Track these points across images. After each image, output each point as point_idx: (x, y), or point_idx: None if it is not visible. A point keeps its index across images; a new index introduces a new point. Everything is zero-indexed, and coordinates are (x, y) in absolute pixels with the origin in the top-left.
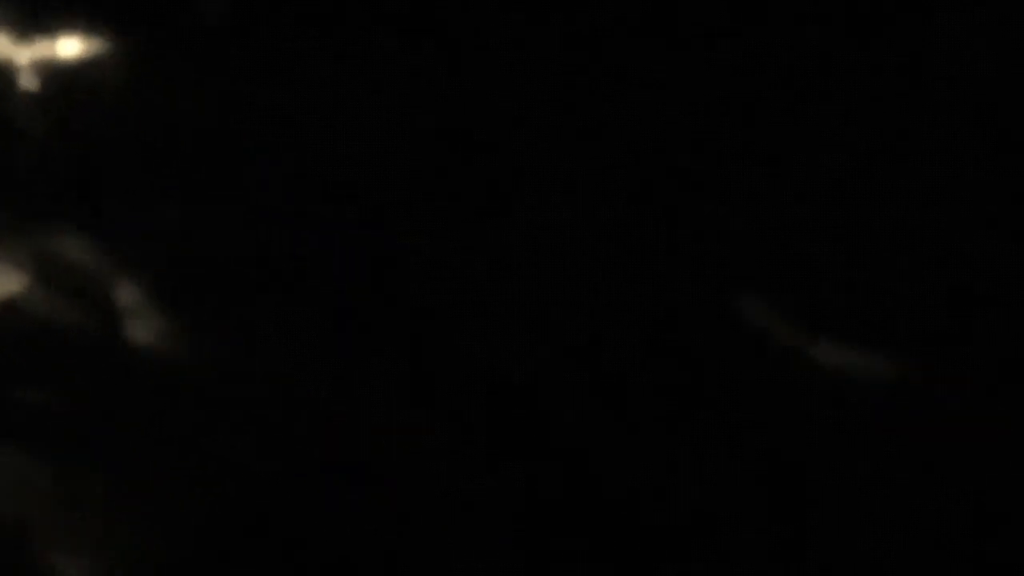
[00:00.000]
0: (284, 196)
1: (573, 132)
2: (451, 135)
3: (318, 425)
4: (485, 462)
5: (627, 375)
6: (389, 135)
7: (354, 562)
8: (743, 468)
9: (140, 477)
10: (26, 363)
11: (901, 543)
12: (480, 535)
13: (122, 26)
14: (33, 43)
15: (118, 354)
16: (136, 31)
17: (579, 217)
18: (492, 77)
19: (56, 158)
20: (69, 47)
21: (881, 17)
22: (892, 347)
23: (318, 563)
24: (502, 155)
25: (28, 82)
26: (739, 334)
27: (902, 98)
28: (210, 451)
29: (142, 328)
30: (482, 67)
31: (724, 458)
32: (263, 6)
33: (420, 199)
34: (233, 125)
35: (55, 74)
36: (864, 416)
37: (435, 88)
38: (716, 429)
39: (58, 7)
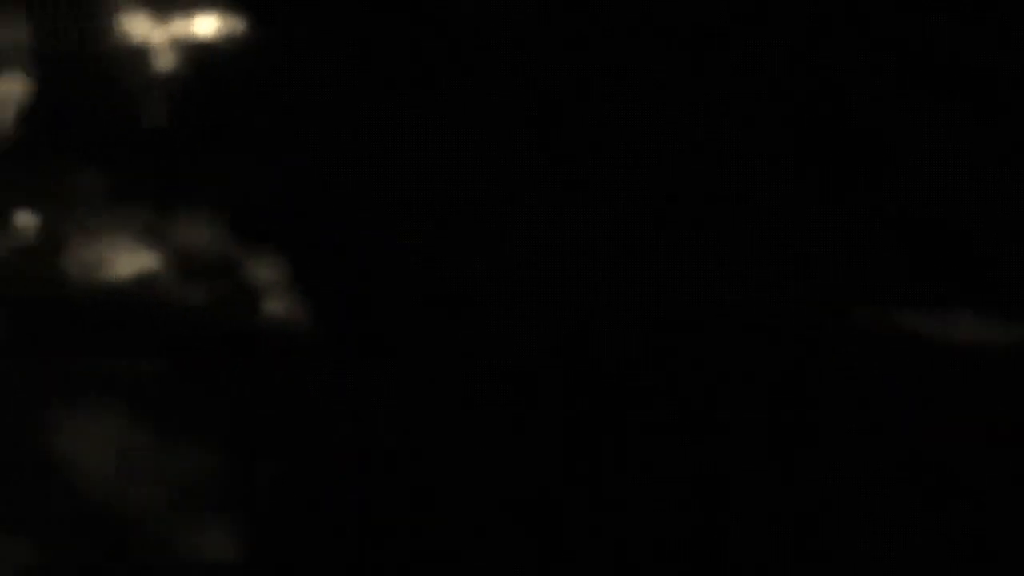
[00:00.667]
0: (419, 178)
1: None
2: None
3: (454, 406)
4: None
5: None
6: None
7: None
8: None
9: (273, 457)
10: (158, 341)
11: None
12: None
13: (260, 5)
14: (170, 22)
15: (252, 333)
16: (274, 10)
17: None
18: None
19: (191, 138)
20: (206, 26)
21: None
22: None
23: (474, 548)
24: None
25: (165, 61)
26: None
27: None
28: (345, 432)
29: (276, 307)
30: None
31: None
32: None
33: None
34: (371, 107)
35: (192, 53)
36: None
37: None
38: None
39: None
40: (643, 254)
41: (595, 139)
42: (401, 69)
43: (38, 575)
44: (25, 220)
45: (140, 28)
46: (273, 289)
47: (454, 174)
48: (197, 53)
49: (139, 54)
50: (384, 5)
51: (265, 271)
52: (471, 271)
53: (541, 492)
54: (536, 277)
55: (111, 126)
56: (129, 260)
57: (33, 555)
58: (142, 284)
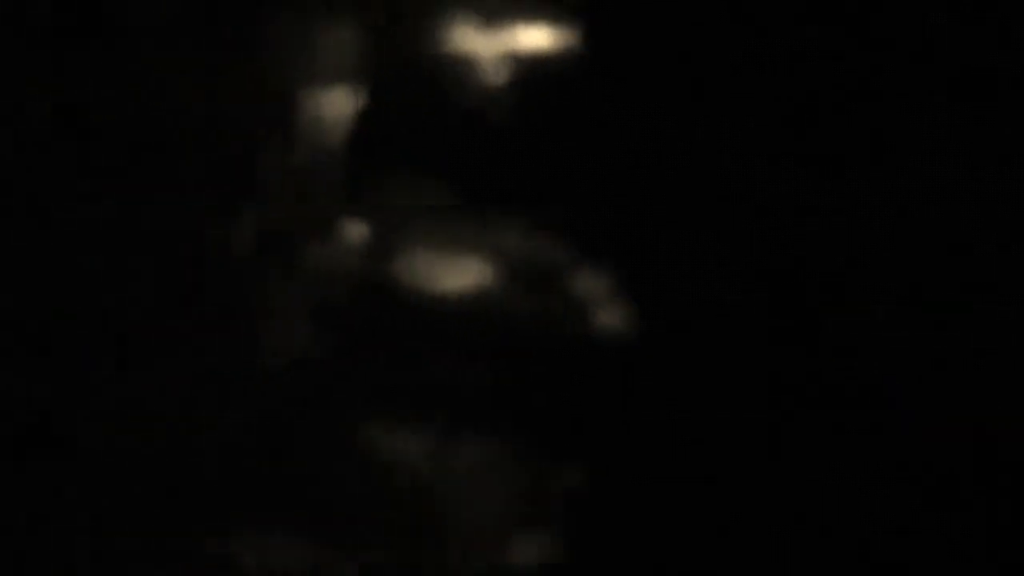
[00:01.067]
0: (748, 186)
1: None
2: None
3: (782, 417)
4: None
5: None
6: None
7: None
8: None
9: (609, 470)
10: (487, 353)
11: None
12: None
13: (590, 16)
14: (500, 33)
15: (583, 345)
16: (604, 24)
17: None
18: None
19: (521, 147)
20: (536, 37)
21: None
22: None
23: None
24: None
25: (495, 72)
26: None
27: None
28: (676, 443)
29: (606, 317)
30: None
31: None
32: None
33: None
34: (697, 114)
35: (522, 64)
36: None
37: None
38: None
39: None
40: None
41: None
42: (729, 76)
43: None
44: (355, 230)
45: (469, 38)
46: (603, 299)
47: (784, 182)
48: (527, 64)
49: (468, 64)
50: (713, 14)
51: (595, 281)
52: (803, 280)
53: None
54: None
55: (441, 136)
56: (458, 271)
57: (354, 565)
58: (471, 295)
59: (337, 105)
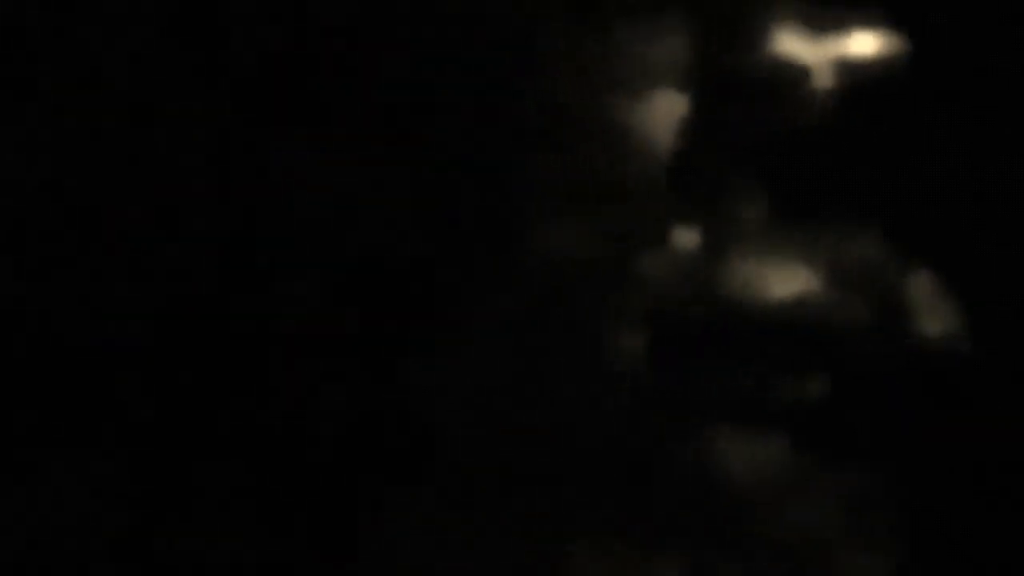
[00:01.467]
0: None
1: None
2: None
3: None
4: None
5: None
6: None
7: None
8: None
9: (941, 483)
10: (818, 361)
11: None
12: None
13: (917, 23)
14: (826, 39)
15: (907, 350)
16: (929, 29)
17: None
18: None
19: (848, 154)
20: (863, 44)
21: None
22: None
23: None
24: None
25: (822, 78)
26: None
27: None
28: (1008, 456)
29: (932, 323)
30: None
31: None
32: None
33: None
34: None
35: (848, 70)
36: None
37: None
38: None
39: (852, 3)
40: None
41: None
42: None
43: None
44: (685, 238)
45: (796, 45)
46: (932, 305)
47: None
48: (854, 70)
49: (795, 70)
50: None
51: (924, 286)
52: None
53: None
54: None
55: (770, 143)
56: (788, 278)
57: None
58: (801, 303)
59: (664, 113)
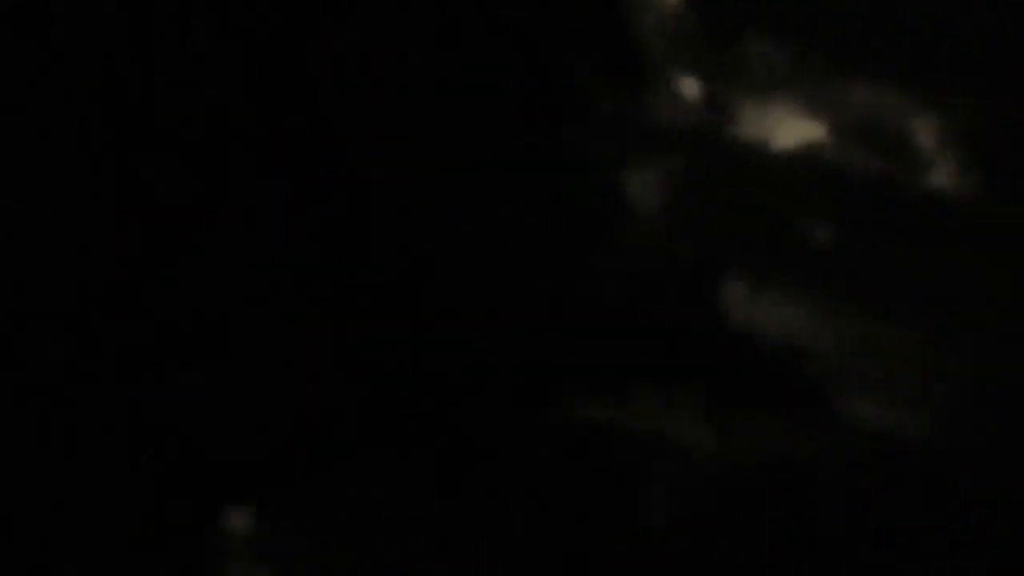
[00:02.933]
0: None
1: None
2: None
3: None
4: None
5: None
6: None
7: None
8: None
9: (929, 329)
10: (820, 206)
11: None
12: None
13: None
14: None
15: (917, 200)
16: None
17: None
18: None
19: (861, 8)
20: None
21: None
22: None
23: None
24: None
25: None
26: None
27: None
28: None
29: (942, 174)
30: None
31: None
32: None
33: None
34: None
35: None
36: None
37: None
38: None
39: None
40: None
41: None
42: None
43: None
44: (691, 88)
45: None
46: (943, 156)
47: None
48: None
49: None
50: None
51: (933, 136)
52: None
53: None
54: None
55: None
56: (796, 128)
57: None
58: (810, 153)
59: None
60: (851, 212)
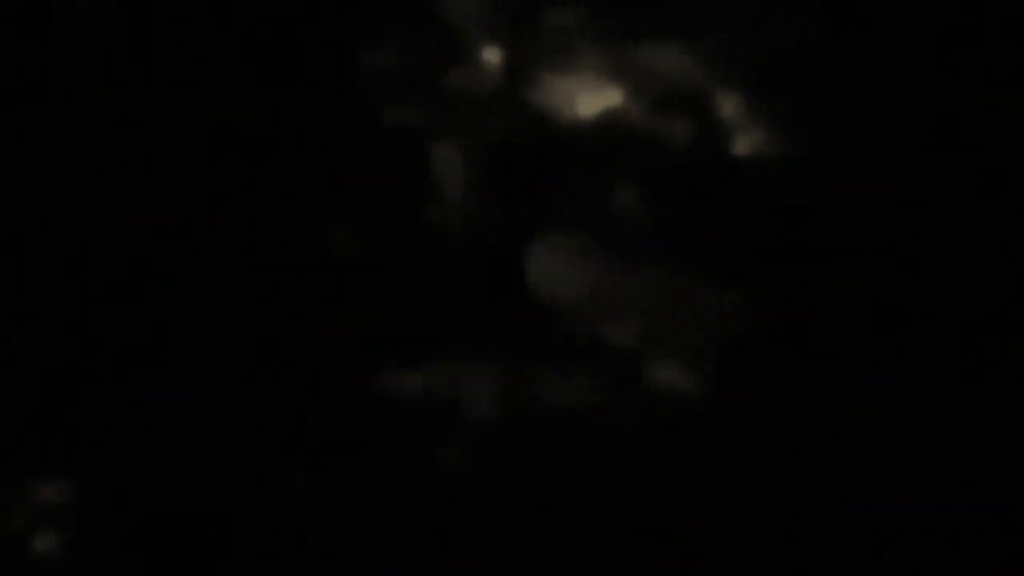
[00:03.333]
0: None
1: None
2: None
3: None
4: None
5: None
6: None
7: None
8: None
9: (719, 273)
10: (623, 171)
11: None
12: None
13: None
14: None
15: (718, 165)
16: None
17: None
18: None
19: None
20: None
21: None
22: None
23: None
24: None
25: None
26: None
27: None
28: (800, 258)
29: (744, 140)
30: None
31: None
32: None
33: None
34: None
35: None
36: None
37: None
38: None
39: None
40: None
41: None
42: None
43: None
44: (491, 56)
45: None
46: (744, 123)
47: None
48: None
49: None
50: None
51: (735, 105)
52: None
53: None
54: None
55: None
56: (597, 95)
57: (502, 379)
58: (610, 119)
59: None
60: (654, 177)
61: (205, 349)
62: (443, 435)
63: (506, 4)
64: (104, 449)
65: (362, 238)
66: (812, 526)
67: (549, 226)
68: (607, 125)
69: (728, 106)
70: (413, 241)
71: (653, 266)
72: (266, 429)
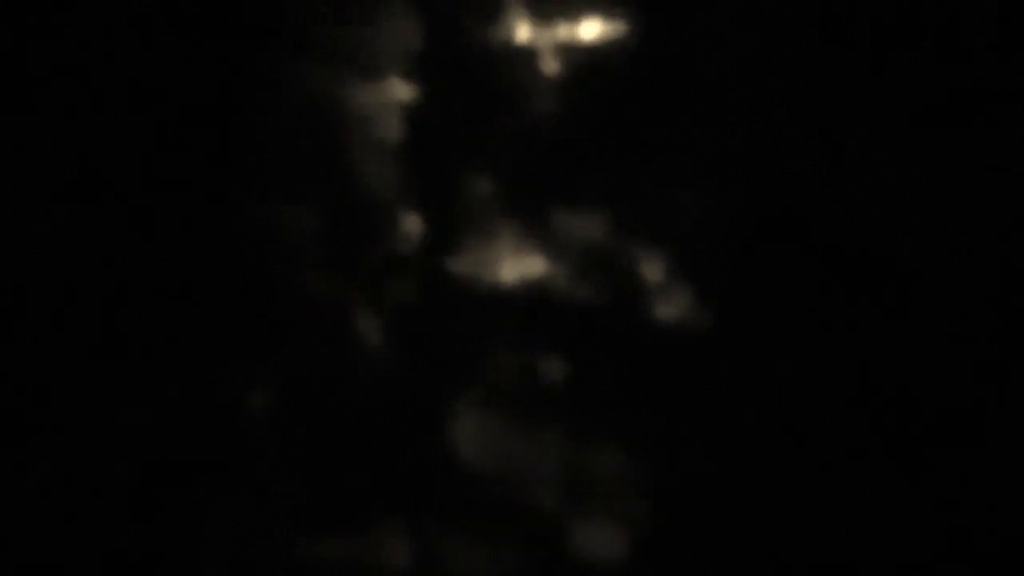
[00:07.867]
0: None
1: None
2: None
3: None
4: None
5: None
6: None
7: None
8: None
9: (652, 454)
10: (551, 340)
11: None
12: None
13: (643, 8)
14: (555, 26)
15: (644, 330)
16: (657, 13)
17: None
18: None
19: (575, 139)
20: (590, 30)
21: None
22: None
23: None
24: None
25: (550, 64)
26: None
27: None
28: (748, 426)
29: (668, 304)
30: None
31: None
32: None
33: None
34: (761, 107)
35: (576, 56)
36: None
37: None
38: None
39: None
40: None
41: None
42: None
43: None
44: (411, 224)
45: (524, 32)
46: (664, 286)
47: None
48: (581, 56)
49: (524, 57)
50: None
51: (655, 268)
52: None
53: None
54: None
55: (497, 128)
56: (517, 261)
57: (413, 546)
58: (532, 286)
59: (389, 100)
60: (576, 344)
61: None
62: None
63: (425, 172)
64: None
65: (279, 402)
66: None
67: (469, 394)
68: (527, 292)
69: (650, 271)
70: (330, 406)
71: (573, 433)
72: None
